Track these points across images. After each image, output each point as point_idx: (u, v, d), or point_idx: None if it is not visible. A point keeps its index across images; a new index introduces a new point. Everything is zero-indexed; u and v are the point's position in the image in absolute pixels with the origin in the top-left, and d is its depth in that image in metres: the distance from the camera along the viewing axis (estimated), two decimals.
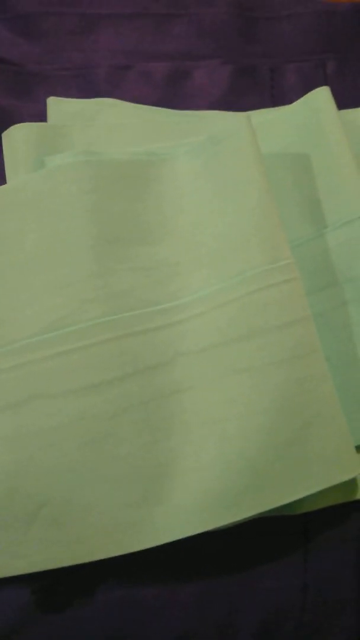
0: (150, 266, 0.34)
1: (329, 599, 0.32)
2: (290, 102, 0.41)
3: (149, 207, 0.35)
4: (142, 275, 0.34)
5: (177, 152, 0.36)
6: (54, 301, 0.32)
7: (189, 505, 0.30)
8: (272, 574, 0.32)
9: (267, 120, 0.40)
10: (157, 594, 0.32)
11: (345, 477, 0.30)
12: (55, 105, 0.41)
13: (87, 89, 0.43)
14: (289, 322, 0.31)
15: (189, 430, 0.31)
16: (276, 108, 0.42)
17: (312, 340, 0.31)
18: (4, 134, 0.37)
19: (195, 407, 0.31)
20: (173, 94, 0.43)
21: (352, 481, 0.32)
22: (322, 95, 0.39)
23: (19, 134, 0.36)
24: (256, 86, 0.43)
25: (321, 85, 0.41)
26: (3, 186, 0.35)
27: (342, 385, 0.32)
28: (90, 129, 0.39)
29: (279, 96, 0.43)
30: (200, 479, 0.30)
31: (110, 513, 0.30)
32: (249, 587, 0.32)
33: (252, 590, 0.32)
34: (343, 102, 0.41)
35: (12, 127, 0.37)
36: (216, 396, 0.31)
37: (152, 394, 0.31)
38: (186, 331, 0.33)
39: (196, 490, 0.30)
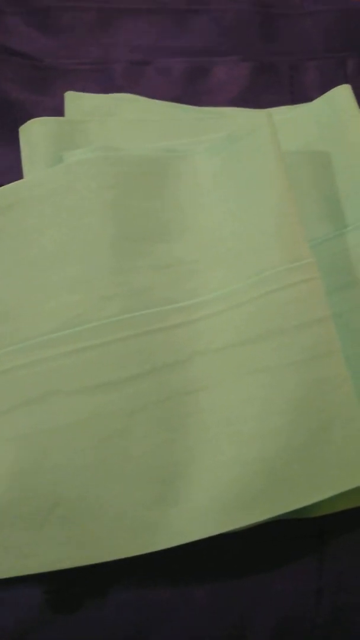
0: (168, 264, 0.33)
1: (345, 604, 0.31)
2: (310, 100, 0.40)
3: (168, 204, 0.35)
4: (160, 272, 0.33)
5: (196, 149, 0.36)
6: (71, 298, 0.32)
7: (205, 507, 0.30)
8: (287, 577, 0.32)
9: (287, 118, 0.39)
10: (170, 596, 0.31)
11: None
12: (73, 100, 0.40)
13: (105, 84, 0.42)
14: (308, 322, 0.31)
15: (206, 429, 0.31)
16: (296, 106, 0.41)
17: (332, 341, 0.31)
18: (21, 128, 0.37)
19: (212, 406, 0.31)
20: (192, 90, 0.43)
21: None
22: (342, 94, 0.38)
23: (37, 128, 0.36)
24: (276, 84, 0.43)
25: (341, 83, 0.40)
26: (21, 181, 0.35)
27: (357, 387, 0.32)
28: (108, 124, 0.39)
29: (299, 94, 0.43)
30: (216, 479, 0.30)
31: (124, 513, 0.30)
32: (262, 590, 0.31)
33: (266, 593, 0.31)
34: None
35: (29, 121, 0.36)
36: (233, 396, 0.31)
37: (168, 393, 0.31)
38: (204, 330, 0.32)
39: (212, 491, 0.30)
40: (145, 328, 0.32)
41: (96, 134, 0.38)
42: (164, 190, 0.35)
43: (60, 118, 0.39)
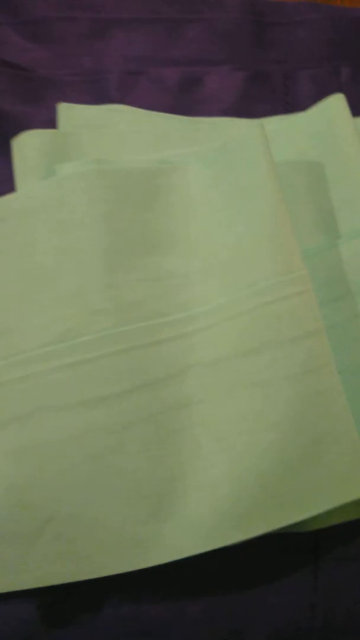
0: (160, 277, 0.33)
1: (339, 619, 0.31)
2: (303, 109, 0.40)
3: (160, 216, 0.34)
4: (152, 286, 0.33)
5: (189, 160, 0.35)
6: (63, 312, 0.32)
7: (198, 522, 0.29)
8: (281, 592, 0.31)
9: (280, 128, 0.39)
10: (163, 611, 0.31)
11: (358, 495, 0.29)
12: (66, 111, 0.40)
13: (98, 94, 0.42)
14: (302, 335, 0.31)
15: (199, 444, 0.31)
16: (289, 115, 0.41)
17: (325, 354, 0.31)
18: (14, 141, 0.36)
19: (205, 421, 0.31)
20: (185, 100, 0.42)
21: None
22: (336, 103, 0.38)
23: (29, 140, 0.36)
24: (269, 93, 0.43)
25: (335, 92, 0.40)
26: (12, 194, 0.34)
27: (355, 399, 0.31)
28: (101, 135, 0.39)
29: (293, 103, 0.42)
30: (209, 495, 0.30)
31: (117, 529, 0.30)
32: (257, 604, 0.31)
33: (260, 607, 0.31)
34: (358, 109, 0.40)
35: (22, 133, 0.36)
36: (226, 410, 0.31)
37: (160, 407, 0.31)
38: (196, 343, 0.32)
39: (205, 506, 0.30)
40: (137, 342, 0.31)
41: (89, 145, 0.38)
42: (155, 202, 0.35)
43: (53, 130, 0.39)
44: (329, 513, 0.30)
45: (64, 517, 0.30)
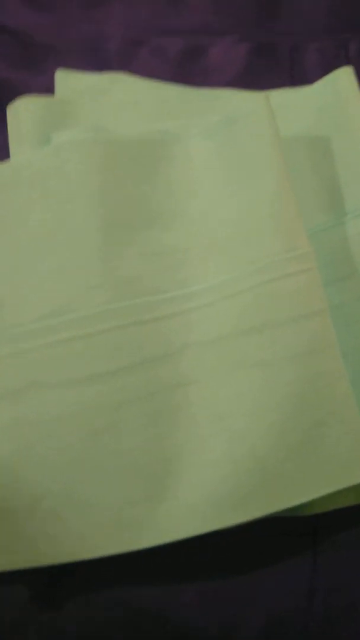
0: (159, 252, 0.32)
1: (337, 605, 0.30)
2: (310, 82, 0.39)
3: (159, 189, 0.33)
4: (150, 261, 0.32)
5: (190, 131, 0.34)
6: (58, 286, 0.31)
7: (194, 504, 0.29)
8: (279, 577, 0.31)
9: (286, 101, 0.38)
10: (158, 594, 0.30)
11: (358, 479, 0.28)
12: (64, 78, 0.39)
13: (98, 62, 0.41)
14: (305, 315, 0.30)
15: (196, 425, 0.30)
16: (296, 88, 0.40)
17: (328, 335, 0.30)
18: (8, 107, 0.35)
19: (203, 401, 0.30)
20: (187, 71, 0.41)
21: None
22: (344, 76, 0.37)
23: (25, 107, 0.35)
24: (275, 65, 0.42)
25: (343, 65, 0.39)
26: (7, 162, 0.33)
27: (358, 381, 0.31)
28: (100, 104, 0.38)
29: (299, 76, 0.41)
30: (206, 476, 0.29)
31: (112, 509, 0.29)
32: (253, 589, 0.31)
33: (257, 592, 0.31)
34: None
35: (17, 99, 0.35)
36: (225, 390, 0.30)
37: (158, 386, 0.30)
38: (195, 321, 0.31)
39: (202, 488, 0.29)
40: (134, 318, 0.30)
41: (87, 114, 0.37)
42: (155, 175, 0.33)
43: (50, 98, 0.38)
44: (328, 497, 0.29)
45: (57, 496, 0.29)
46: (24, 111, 0.35)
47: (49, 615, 0.30)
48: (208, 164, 0.34)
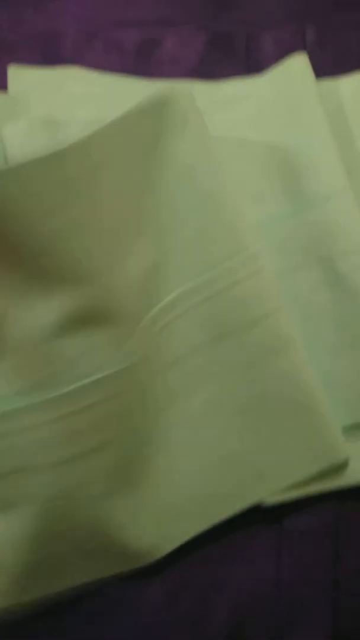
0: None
1: (303, 594, 0.30)
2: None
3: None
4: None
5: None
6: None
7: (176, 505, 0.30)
8: (245, 568, 0.31)
9: (241, 91, 0.38)
10: (123, 590, 0.30)
11: (326, 465, 0.30)
12: (17, 73, 0.38)
13: (52, 56, 0.40)
14: (260, 317, 0.30)
15: (169, 444, 0.31)
16: (251, 77, 0.39)
17: (287, 332, 0.31)
18: None
19: (178, 417, 0.31)
20: (143, 63, 0.41)
21: (339, 468, 0.31)
22: (298, 63, 0.37)
23: None
24: (231, 55, 0.41)
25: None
26: None
27: (324, 369, 0.31)
28: (54, 99, 0.37)
29: (255, 66, 0.41)
30: (174, 482, 0.30)
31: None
32: (220, 581, 0.31)
33: (224, 583, 0.30)
34: (322, 72, 0.39)
35: None
36: (197, 403, 0.31)
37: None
38: (162, 341, 0.31)
39: (184, 489, 0.30)
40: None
41: (40, 109, 0.36)
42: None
43: (3, 94, 0.37)
44: (294, 487, 0.30)
45: None
46: None
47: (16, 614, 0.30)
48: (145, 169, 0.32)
